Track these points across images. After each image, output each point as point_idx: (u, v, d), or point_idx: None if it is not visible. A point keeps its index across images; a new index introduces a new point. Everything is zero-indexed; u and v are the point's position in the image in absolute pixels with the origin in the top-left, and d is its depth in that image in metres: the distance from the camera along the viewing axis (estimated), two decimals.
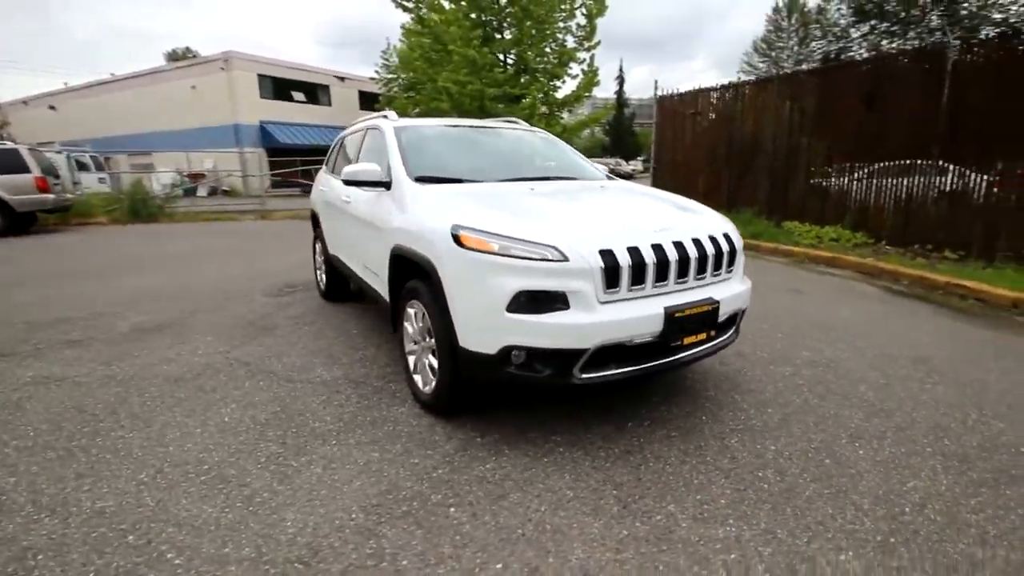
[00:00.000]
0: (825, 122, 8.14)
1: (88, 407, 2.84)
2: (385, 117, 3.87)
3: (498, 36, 15.16)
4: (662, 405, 2.86)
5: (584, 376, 2.22)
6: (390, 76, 24.16)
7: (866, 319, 4.52)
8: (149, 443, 2.48)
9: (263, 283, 5.84)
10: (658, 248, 2.31)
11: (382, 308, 4.79)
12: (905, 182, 7.20)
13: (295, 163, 20.27)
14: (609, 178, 3.73)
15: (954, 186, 6.71)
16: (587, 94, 15.78)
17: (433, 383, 2.65)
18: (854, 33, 37.55)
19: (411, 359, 2.93)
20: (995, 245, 6.17)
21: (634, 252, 2.25)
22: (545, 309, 2.16)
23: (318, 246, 5.22)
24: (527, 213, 2.53)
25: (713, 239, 2.54)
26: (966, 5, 27.17)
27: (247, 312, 4.69)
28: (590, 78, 15.34)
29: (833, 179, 8.11)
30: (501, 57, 14.80)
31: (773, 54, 42.49)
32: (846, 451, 2.42)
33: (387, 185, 3.16)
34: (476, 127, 4.06)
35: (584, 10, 14.90)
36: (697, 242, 2.45)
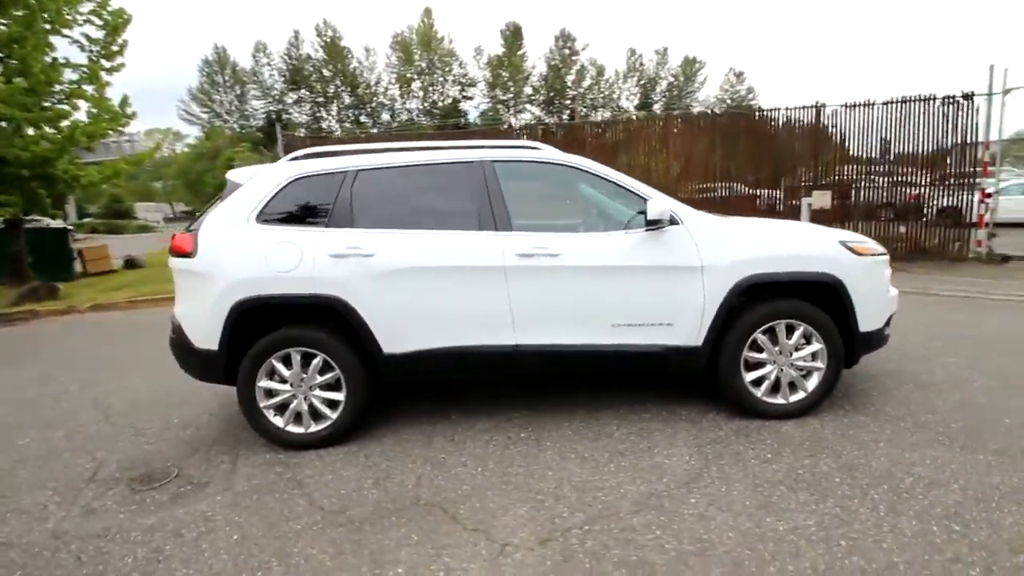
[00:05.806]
0: None
1: None
2: (536, 148, 3.10)
3: None
4: None
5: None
6: None
7: None
8: None
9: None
10: None
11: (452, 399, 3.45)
12: None
13: None
14: None
15: None
16: (119, 128, 11.69)
17: (809, 386, 2.99)
18: (288, 100, 42.77)
19: (755, 388, 3.00)
20: None
21: None
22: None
23: (287, 365, 2.89)
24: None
25: None
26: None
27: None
28: (119, 109, 11.45)
29: None
30: None
31: (214, 105, 42.35)
32: None
33: (661, 224, 2.91)
34: None
35: (99, 19, 10.90)
36: None
